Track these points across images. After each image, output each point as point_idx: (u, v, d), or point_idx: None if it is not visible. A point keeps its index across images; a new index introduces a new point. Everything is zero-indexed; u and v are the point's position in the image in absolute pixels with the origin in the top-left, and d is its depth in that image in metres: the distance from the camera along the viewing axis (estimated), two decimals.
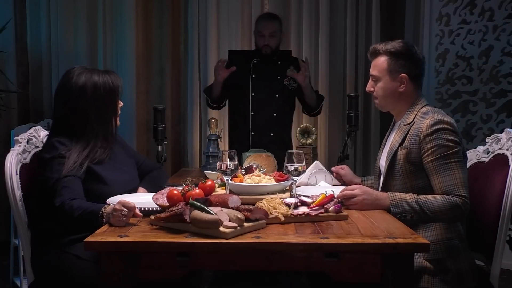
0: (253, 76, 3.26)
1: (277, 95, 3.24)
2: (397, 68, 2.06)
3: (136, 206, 1.67)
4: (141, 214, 1.70)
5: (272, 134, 3.26)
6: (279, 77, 3.22)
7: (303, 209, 1.79)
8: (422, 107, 2.06)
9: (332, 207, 1.80)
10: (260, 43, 3.26)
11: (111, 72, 2.08)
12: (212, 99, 3.31)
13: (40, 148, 2.13)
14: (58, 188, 1.81)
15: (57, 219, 1.82)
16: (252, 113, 3.24)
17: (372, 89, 2.14)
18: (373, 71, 2.12)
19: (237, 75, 3.17)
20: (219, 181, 2.16)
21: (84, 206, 1.75)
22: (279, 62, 3.29)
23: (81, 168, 1.90)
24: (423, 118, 2.00)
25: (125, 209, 1.63)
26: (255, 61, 3.28)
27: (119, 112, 2.10)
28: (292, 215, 1.75)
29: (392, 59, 2.06)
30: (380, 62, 2.08)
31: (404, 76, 2.05)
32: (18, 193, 1.99)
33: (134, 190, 2.10)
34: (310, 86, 3.22)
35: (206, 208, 1.58)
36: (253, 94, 3.24)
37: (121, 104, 2.11)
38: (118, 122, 2.12)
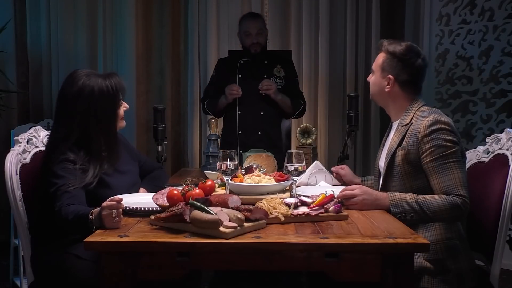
0: (240, 76, 3.25)
1: (264, 94, 3.23)
2: (388, 68, 2.08)
3: (133, 205, 1.64)
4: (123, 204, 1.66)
5: (259, 133, 3.26)
6: (265, 76, 3.22)
7: (303, 209, 1.79)
8: (420, 107, 2.06)
9: (332, 207, 1.80)
10: (248, 42, 3.25)
11: (113, 75, 2.00)
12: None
13: (40, 148, 2.13)
14: (59, 194, 1.80)
15: (56, 224, 1.81)
16: (239, 112, 3.24)
17: (369, 80, 2.19)
18: (373, 64, 2.17)
19: (224, 77, 3.20)
20: (219, 181, 2.16)
21: (78, 209, 1.73)
22: (265, 62, 3.29)
23: (94, 182, 1.89)
24: (420, 119, 1.99)
25: (114, 210, 1.60)
26: (241, 62, 3.27)
27: (123, 115, 2.05)
28: (292, 215, 1.75)
29: (389, 58, 2.08)
30: (379, 58, 2.12)
31: (391, 77, 2.07)
32: (18, 193, 1.98)
33: (136, 192, 2.09)
34: (279, 97, 3.21)
35: (206, 208, 1.58)
36: None
37: (126, 106, 2.06)
38: (124, 124, 2.07)
